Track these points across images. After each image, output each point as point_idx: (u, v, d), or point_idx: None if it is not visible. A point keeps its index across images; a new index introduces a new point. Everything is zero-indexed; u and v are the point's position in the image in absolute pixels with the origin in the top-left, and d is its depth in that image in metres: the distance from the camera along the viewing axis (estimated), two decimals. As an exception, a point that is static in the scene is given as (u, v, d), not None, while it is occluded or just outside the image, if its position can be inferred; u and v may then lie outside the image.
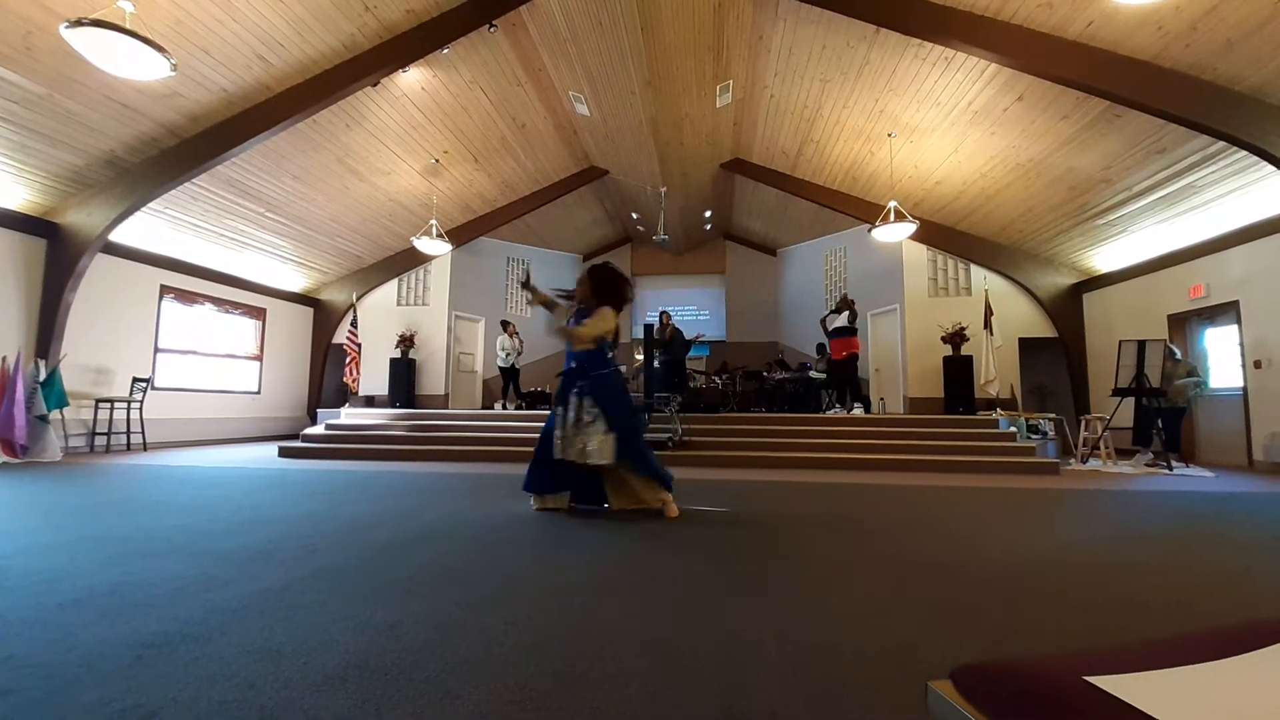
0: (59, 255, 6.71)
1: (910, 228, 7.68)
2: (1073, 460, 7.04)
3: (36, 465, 5.79)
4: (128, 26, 3.98)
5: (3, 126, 5.51)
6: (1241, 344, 6.56)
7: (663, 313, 9.56)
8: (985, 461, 6.07)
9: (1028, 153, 6.80)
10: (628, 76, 6.95)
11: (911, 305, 9.50)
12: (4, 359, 6.07)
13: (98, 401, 7.25)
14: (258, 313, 9.87)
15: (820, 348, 9.68)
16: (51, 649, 1.44)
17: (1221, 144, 5.41)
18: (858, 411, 8.17)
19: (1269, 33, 4.40)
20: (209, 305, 9.00)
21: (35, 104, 5.41)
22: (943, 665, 0.68)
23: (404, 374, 10.01)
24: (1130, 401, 6.79)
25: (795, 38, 6.48)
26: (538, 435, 3.52)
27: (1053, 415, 7.73)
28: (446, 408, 10.03)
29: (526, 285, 3.73)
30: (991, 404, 8.33)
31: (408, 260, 10.38)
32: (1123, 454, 7.21)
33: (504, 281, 12.09)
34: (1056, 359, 9.28)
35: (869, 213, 8.67)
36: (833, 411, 8.43)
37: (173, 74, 4.45)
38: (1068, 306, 9.05)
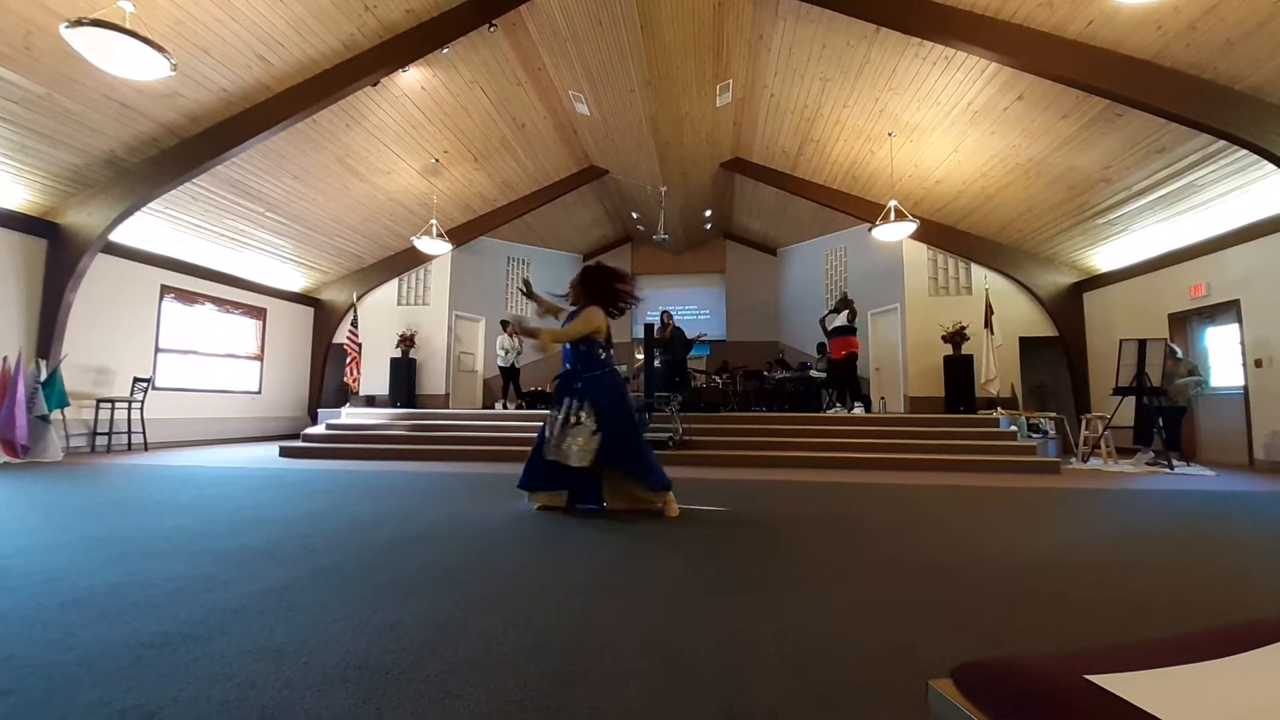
0: (59, 255, 6.71)
1: (910, 227, 7.68)
2: (1073, 459, 7.04)
3: (37, 465, 5.80)
4: (128, 26, 3.98)
5: (3, 126, 5.51)
6: (1242, 343, 6.56)
7: (664, 312, 9.56)
8: (986, 461, 6.07)
9: (1028, 152, 6.80)
10: (627, 76, 6.95)
11: (912, 304, 9.50)
12: (5, 359, 6.07)
13: (98, 401, 7.26)
14: (258, 312, 9.88)
15: (820, 347, 9.67)
16: (52, 649, 1.45)
17: (1221, 143, 5.41)
18: (858, 411, 8.16)
19: (1268, 32, 4.40)
20: (209, 305, 9.00)
21: (35, 104, 5.41)
22: (943, 665, 0.68)
23: (404, 374, 10.02)
24: (1131, 400, 6.78)
25: (795, 37, 6.48)
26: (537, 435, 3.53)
27: (1053, 414, 7.72)
28: (447, 407, 10.03)
29: (530, 295, 3.71)
30: (992, 403, 8.32)
31: (408, 260, 10.38)
32: (1123, 453, 7.20)
33: (504, 281, 12.08)
34: (1057, 358, 9.27)
35: (869, 212, 8.66)
36: (833, 411, 8.42)
37: (173, 74, 4.45)
38: (1068, 305, 9.04)
